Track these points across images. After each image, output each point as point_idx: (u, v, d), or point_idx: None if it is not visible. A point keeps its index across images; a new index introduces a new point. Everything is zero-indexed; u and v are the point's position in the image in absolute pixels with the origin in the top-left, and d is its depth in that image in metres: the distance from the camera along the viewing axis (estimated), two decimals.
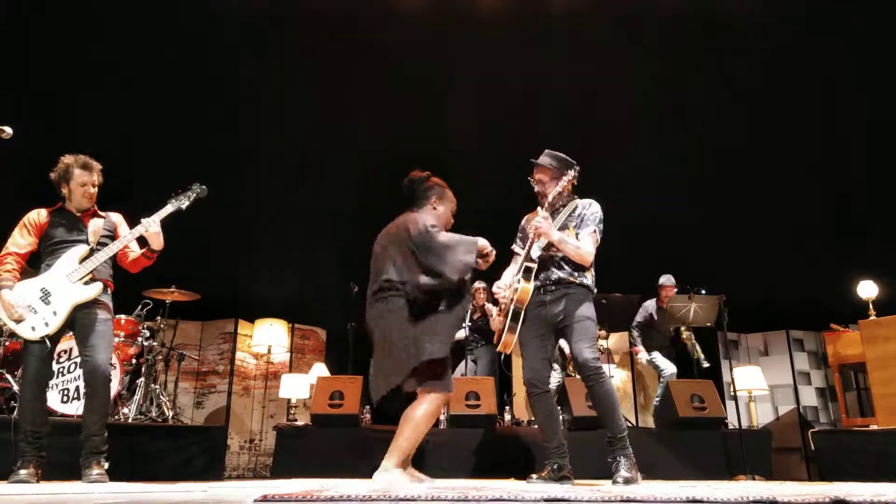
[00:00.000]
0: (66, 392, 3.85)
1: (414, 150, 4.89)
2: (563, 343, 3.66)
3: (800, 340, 6.71)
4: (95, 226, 2.98)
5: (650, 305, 5.66)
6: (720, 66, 5.43)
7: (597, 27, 5.29)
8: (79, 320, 2.86)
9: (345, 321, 4.95)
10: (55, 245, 2.91)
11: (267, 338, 6.43)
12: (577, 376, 5.63)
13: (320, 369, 5.85)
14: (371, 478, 2.72)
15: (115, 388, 3.88)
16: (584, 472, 3.05)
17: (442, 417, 4.30)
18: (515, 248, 3.03)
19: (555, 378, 5.00)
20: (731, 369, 5.64)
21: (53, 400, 3.77)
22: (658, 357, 5.54)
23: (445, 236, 2.69)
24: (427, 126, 5.76)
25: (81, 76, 5.11)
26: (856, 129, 5.65)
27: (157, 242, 2.95)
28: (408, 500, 1.64)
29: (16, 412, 2.99)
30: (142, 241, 2.99)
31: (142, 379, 4.47)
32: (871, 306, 4.78)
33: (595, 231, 2.83)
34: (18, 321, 2.75)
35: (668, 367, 5.47)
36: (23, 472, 2.69)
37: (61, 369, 3.87)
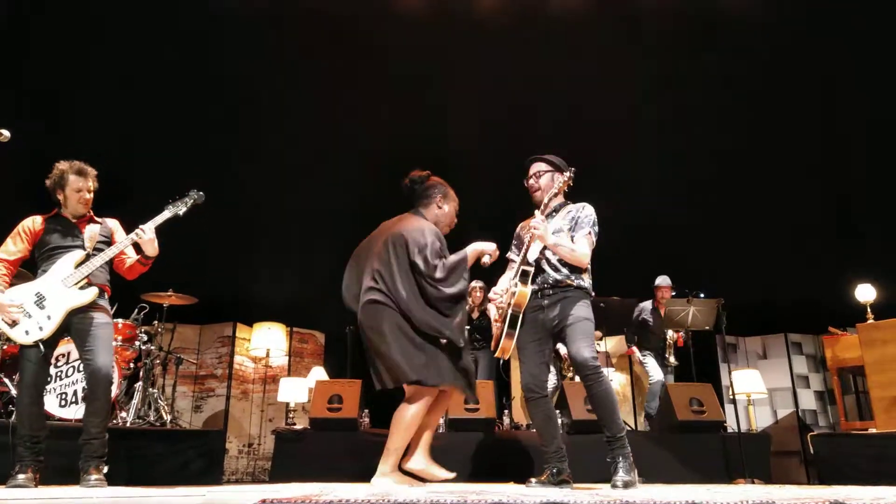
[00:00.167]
0: (63, 396, 3.84)
1: (414, 150, 4.88)
2: (559, 346, 3.66)
3: (798, 344, 6.71)
4: (92, 231, 2.97)
5: (646, 307, 5.67)
6: (720, 66, 5.43)
7: (597, 27, 5.28)
8: (75, 325, 2.85)
9: (343, 324, 4.95)
10: (51, 251, 2.90)
11: (265, 341, 6.42)
12: (574, 377, 5.68)
13: (319, 373, 5.84)
14: (370, 482, 2.72)
15: (113, 392, 3.86)
16: (583, 476, 3.04)
17: (441, 421, 4.30)
18: (511, 255, 3.02)
19: (550, 381, 4.99)
20: (729, 373, 5.63)
21: (51, 404, 3.76)
22: (650, 362, 5.55)
23: (452, 287, 2.74)
24: (427, 126, 5.75)
25: (81, 76, 5.09)
26: (856, 130, 5.65)
27: (151, 249, 2.94)
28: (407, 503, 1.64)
29: (13, 417, 2.98)
30: (138, 247, 2.99)
31: (140, 383, 4.45)
32: (869, 310, 4.78)
33: (590, 233, 2.83)
34: (12, 325, 2.75)
35: (656, 375, 5.48)
36: (21, 476, 2.68)
37: (59, 373, 3.86)
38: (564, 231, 2.83)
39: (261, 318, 6.50)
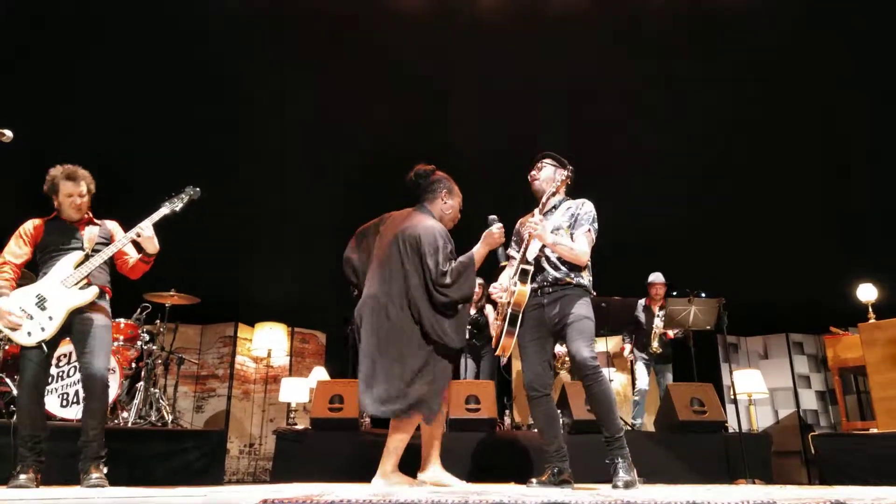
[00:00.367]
0: (65, 396, 3.84)
1: (414, 150, 4.86)
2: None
3: (800, 344, 6.71)
4: (91, 233, 2.98)
5: (639, 304, 5.67)
6: (720, 66, 5.42)
7: (597, 27, 5.28)
8: (76, 325, 2.85)
9: (344, 324, 4.94)
10: (51, 253, 2.92)
11: (267, 341, 6.43)
12: (561, 373, 5.67)
13: (320, 373, 5.84)
14: (371, 482, 2.72)
15: (114, 392, 3.87)
16: (584, 476, 3.04)
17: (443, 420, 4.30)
18: (510, 251, 3.02)
19: None
20: (730, 373, 5.63)
21: (52, 404, 3.76)
22: (640, 368, 5.55)
23: (458, 292, 2.76)
24: (427, 126, 5.75)
25: (81, 76, 5.09)
26: (857, 130, 5.64)
27: (151, 246, 2.95)
28: None
29: (14, 417, 2.98)
30: (139, 246, 2.99)
31: (141, 383, 4.46)
32: (870, 309, 4.78)
33: (589, 230, 2.82)
34: (14, 329, 2.75)
35: (641, 383, 5.50)
36: (22, 476, 2.69)
37: (60, 373, 3.86)
38: (563, 228, 2.83)
39: (262, 318, 6.51)
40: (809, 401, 6.53)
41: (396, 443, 2.73)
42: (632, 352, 5.67)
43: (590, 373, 2.66)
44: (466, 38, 5.36)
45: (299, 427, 4.74)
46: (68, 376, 3.87)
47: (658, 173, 5.84)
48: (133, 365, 4.53)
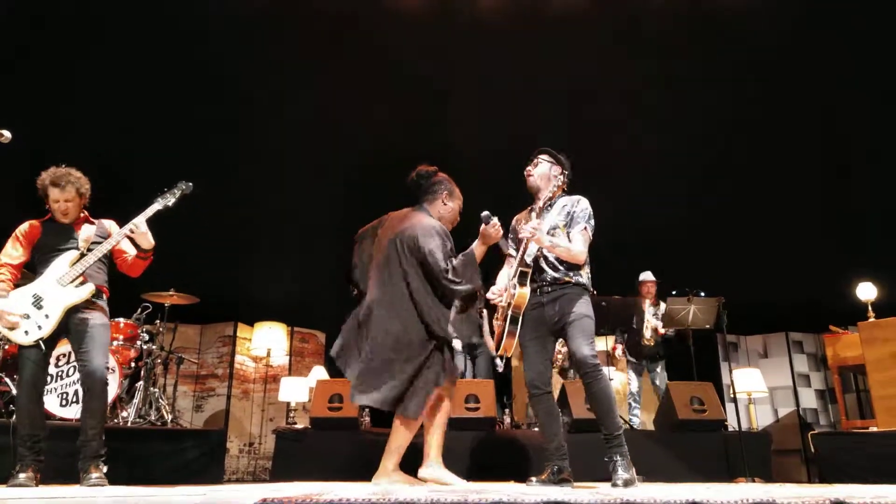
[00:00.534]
0: (64, 396, 3.84)
1: (414, 150, 4.87)
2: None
3: (799, 342, 6.71)
4: (87, 232, 2.99)
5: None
6: (720, 66, 5.43)
7: (596, 27, 5.28)
8: (73, 324, 2.86)
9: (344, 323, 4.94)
10: (48, 253, 2.92)
11: (266, 341, 6.43)
12: (558, 375, 5.67)
13: (319, 372, 5.84)
14: (371, 481, 2.72)
15: (113, 391, 3.87)
16: (583, 475, 3.04)
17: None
18: (511, 250, 3.02)
19: None
20: (730, 371, 5.64)
21: (52, 404, 3.77)
22: (632, 371, 5.56)
23: (463, 286, 2.75)
24: (427, 126, 5.75)
25: (81, 76, 5.09)
26: (857, 130, 5.64)
27: (145, 242, 2.96)
28: (407, 503, 1.63)
29: (14, 416, 2.99)
30: (136, 244, 3.00)
31: (141, 382, 4.46)
32: (870, 308, 4.78)
33: (586, 228, 2.82)
34: (12, 329, 2.76)
35: (633, 384, 5.50)
36: (22, 475, 2.69)
37: (60, 373, 3.86)
38: (560, 227, 2.83)
39: (262, 317, 6.51)
40: (809, 399, 6.54)
41: (399, 442, 2.73)
42: (623, 353, 5.68)
43: (589, 370, 2.66)
44: (466, 38, 5.37)
45: (299, 426, 4.75)
46: (67, 376, 3.87)
47: (658, 173, 5.84)
48: (132, 364, 4.53)
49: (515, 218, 3.07)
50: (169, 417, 4.49)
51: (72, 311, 2.85)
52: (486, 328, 4.09)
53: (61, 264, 2.88)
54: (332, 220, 6.08)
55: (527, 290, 2.74)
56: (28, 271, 3.02)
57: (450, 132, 5.82)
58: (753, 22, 5.20)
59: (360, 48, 5.36)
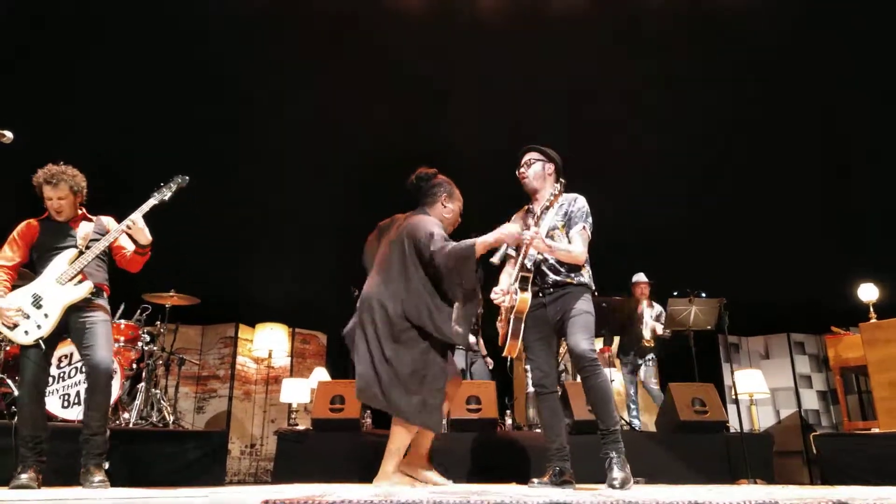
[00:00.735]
0: (66, 397, 3.84)
1: (414, 150, 4.87)
2: None
3: (801, 343, 6.71)
4: (85, 230, 2.98)
5: None
6: (720, 66, 5.42)
7: (596, 27, 5.27)
8: (73, 323, 2.85)
9: (345, 325, 4.93)
10: (47, 252, 2.92)
11: (268, 342, 6.42)
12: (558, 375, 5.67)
13: (321, 374, 5.84)
14: (372, 482, 2.72)
15: (115, 392, 3.86)
16: (585, 477, 3.03)
17: (443, 422, 4.29)
18: (510, 251, 3.01)
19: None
20: (732, 373, 5.63)
21: (54, 405, 3.76)
22: (624, 373, 5.54)
23: (449, 258, 2.72)
24: (427, 126, 5.75)
25: (81, 76, 5.09)
26: (857, 130, 5.64)
27: (143, 237, 2.94)
28: None
29: (16, 417, 2.98)
30: (135, 240, 2.99)
31: (142, 384, 4.46)
32: (871, 309, 4.78)
33: (584, 227, 2.81)
34: (12, 328, 2.75)
35: (629, 387, 5.52)
36: (24, 476, 2.69)
37: (62, 374, 3.86)
38: (559, 228, 2.83)
39: (263, 318, 6.51)
40: (811, 401, 6.53)
41: (398, 444, 2.73)
42: (617, 355, 5.69)
43: (587, 365, 2.67)
44: (466, 38, 5.36)
45: (300, 428, 4.74)
46: (69, 377, 3.87)
47: (658, 173, 5.84)
48: (134, 366, 4.53)
49: (513, 217, 3.06)
50: (170, 419, 4.48)
51: (72, 311, 2.84)
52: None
53: (60, 263, 2.87)
54: (333, 220, 6.09)
55: (528, 295, 2.74)
56: (30, 272, 3.01)
57: (450, 132, 5.81)
58: (753, 22, 5.19)
59: (360, 48, 5.36)
